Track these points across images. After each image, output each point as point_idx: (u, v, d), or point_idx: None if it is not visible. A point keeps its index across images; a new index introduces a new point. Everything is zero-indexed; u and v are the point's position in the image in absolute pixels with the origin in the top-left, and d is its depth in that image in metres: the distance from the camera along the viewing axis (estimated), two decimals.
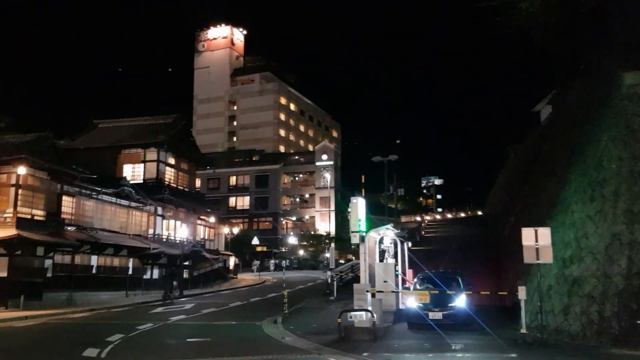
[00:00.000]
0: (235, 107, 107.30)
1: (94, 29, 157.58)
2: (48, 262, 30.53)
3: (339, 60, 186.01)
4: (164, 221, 44.10)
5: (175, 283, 33.68)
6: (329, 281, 31.73)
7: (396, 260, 22.24)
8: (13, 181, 29.04)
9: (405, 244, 24.22)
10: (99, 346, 13.59)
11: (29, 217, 29.41)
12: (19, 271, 27.91)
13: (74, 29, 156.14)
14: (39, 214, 30.30)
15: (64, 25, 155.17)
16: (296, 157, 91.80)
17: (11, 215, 28.40)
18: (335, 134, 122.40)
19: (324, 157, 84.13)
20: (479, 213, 62.49)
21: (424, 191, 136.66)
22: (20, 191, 29.11)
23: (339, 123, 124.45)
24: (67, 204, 33.35)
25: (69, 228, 32.54)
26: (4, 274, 27.54)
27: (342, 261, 55.76)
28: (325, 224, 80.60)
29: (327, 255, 52.11)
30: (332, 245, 53.50)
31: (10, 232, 27.36)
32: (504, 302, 20.70)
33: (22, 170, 28.32)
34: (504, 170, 43.68)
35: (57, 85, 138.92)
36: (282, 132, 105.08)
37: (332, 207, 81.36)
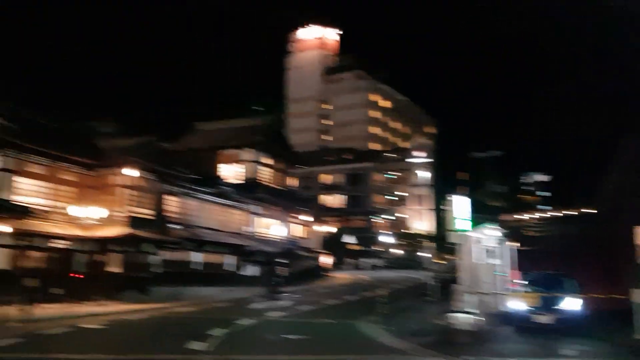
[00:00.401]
0: (326, 106, 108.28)
1: (180, 36, 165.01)
2: (156, 258, 32.26)
3: (433, 56, 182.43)
4: (260, 219, 45.23)
5: (276, 279, 34.45)
6: (427, 281, 31.12)
7: (499, 261, 21.36)
8: (124, 182, 30.92)
9: (508, 243, 23.21)
10: (202, 339, 14.10)
11: (139, 215, 31.21)
12: (130, 267, 29.76)
13: (160, 33, 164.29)
14: (147, 212, 32.08)
15: (153, 31, 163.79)
16: (389, 155, 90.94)
17: (123, 214, 30.28)
18: (430, 130, 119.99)
19: (419, 154, 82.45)
20: (587, 211, 58.82)
21: (525, 187, 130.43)
22: (130, 192, 30.97)
23: (435, 118, 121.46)
24: (172, 204, 35.03)
25: (174, 226, 34.17)
26: (119, 269, 29.46)
27: (439, 261, 54.63)
28: (420, 223, 79.29)
29: (423, 254, 51.20)
30: (430, 244, 52.48)
31: (123, 230, 29.21)
32: (617, 306, 19.29)
33: (131, 171, 30.10)
34: (617, 163, 40.53)
35: (157, 91, 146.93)
36: (375, 130, 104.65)
37: (428, 205, 79.85)
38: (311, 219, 54.53)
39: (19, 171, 27.40)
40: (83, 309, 23.66)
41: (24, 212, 25.46)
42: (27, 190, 27.73)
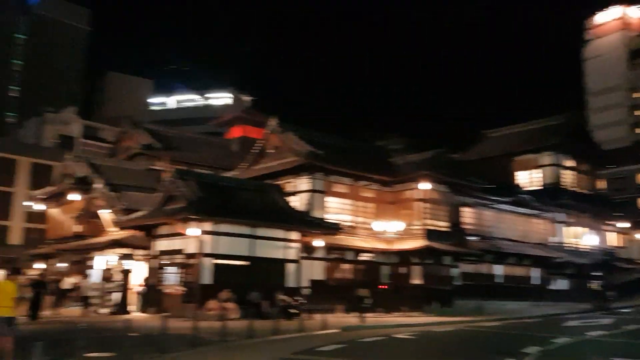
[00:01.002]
0: (638, 95, 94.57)
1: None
2: (455, 271, 31.95)
3: None
4: (567, 228, 41.27)
5: (610, 294, 30.85)
6: None
7: None
8: (418, 196, 31.56)
9: None
10: (515, 357, 12.98)
11: (435, 228, 31.41)
12: (430, 279, 30.06)
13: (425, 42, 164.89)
14: (442, 225, 32.09)
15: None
16: None
17: (420, 227, 30.85)
18: None
19: None
20: None
21: None
22: (425, 205, 31.43)
23: None
24: (467, 215, 34.41)
25: (471, 238, 33.43)
26: (419, 281, 30.03)
27: None
28: None
29: None
30: None
31: (421, 242, 29.73)
32: None
33: (425, 185, 30.56)
34: None
35: (441, 103, 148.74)
36: None
37: None
38: (628, 225, 47.53)
39: (327, 191, 30.26)
40: (391, 319, 24.57)
41: (335, 228, 27.87)
42: (335, 208, 30.42)
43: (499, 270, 35.23)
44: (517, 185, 40.29)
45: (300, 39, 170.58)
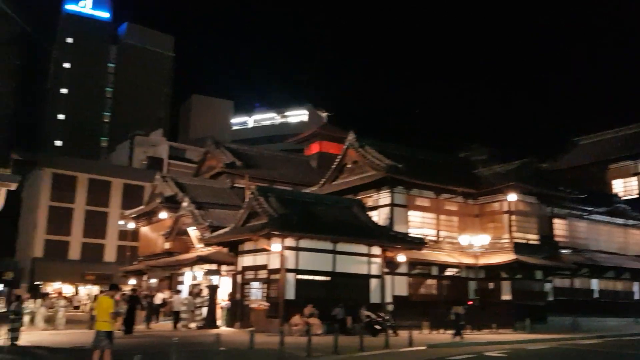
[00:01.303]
0: None
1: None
2: (548, 286, 30.38)
3: None
4: None
5: None
6: None
7: None
8: (505, 208, 30.33)
9: None
10: None
11: (524, 241, 30.02)
12: (520, 294, 28.69)
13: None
14: (532, 238, 30.62)
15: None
16: None
17: (508, 240, 29.59)
18: None
19: None
20: None
21: None
22: (512, 217, 30.14)
23: None
24: (559, 227, 32.71)
25: (564, 251, 31.73)
26: (509, 297, 28.74)
27: None
28: None
29: None
30: None
31: (509, 256, 28.47)
32: None
33: (512, 197, 29.32)
34: None
35: (524, 111, 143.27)
36: None
37: None
38: None
39: (409, 205, 29.73)
40: (481, 336, 23.63)
41: (419, 243, 27.28)
42: (417, 222, 29.80)
43: (595, 285, 33.22)
44: (613, 194, 37.91)
45: (372, 51, 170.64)
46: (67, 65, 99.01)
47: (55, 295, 36.61)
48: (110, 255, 53.07)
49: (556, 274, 30.90)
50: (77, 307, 42.08)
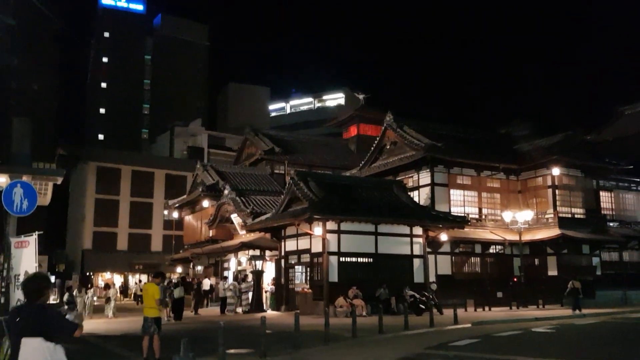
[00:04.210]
0: None
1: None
2: (595, 260, 29.75)
3: None
4: None
5: None
6: None
7: None
8: (549, 182, 29.76)
9: None
10: None
11: (569, 215, 29.45)
12: (567, 269, 28.17)
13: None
14: (578, 212, 30.03)
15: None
16: None
17: (552, 215, 29.07)
18: None
19: None
20: None
21: None
22: (557, 191, 29.56)
23: None
24: (605, 199, 31.97)
25: (611, 224, 31.01)
26: (555, 272, 28.30)
27: None
28: None
29: None
30: None
31: (554, 231, 27.98)
32: None
33: (556, 171, 28.74)
34: None
35: (565, 81, 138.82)
36: None
37: None
38: None
39: (450, 184, 29.48)
40: (527, 312, 23.39)
41: (462, 221, 27.06)
42: (459, 201, 29.54)
43: None
44: None
45: (408, 30, 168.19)
46: (105, 59, 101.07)
47: (106, 285, 37.96)
48: (156, 244, 54.45)
49: (604, 248, 30.24)
50: (126, 296, 43.46)
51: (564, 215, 29.13)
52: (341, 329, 15.62)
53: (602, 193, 31.70)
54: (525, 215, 27.71)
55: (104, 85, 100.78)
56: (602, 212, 31.11)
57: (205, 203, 35.50)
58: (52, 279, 46.73)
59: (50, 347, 4.28)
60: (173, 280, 27.52)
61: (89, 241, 52.54)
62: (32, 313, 4.39)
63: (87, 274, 50.12)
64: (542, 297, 26.56)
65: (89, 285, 33.17)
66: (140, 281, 42.29)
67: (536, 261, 29.40)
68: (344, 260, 24.22)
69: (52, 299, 32.02)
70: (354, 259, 24.55)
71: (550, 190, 29.72)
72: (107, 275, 52.89)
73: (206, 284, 30.36)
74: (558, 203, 29.39)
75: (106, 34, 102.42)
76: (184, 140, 68.59)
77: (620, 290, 28.47)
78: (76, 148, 60.67)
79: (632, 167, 31.84)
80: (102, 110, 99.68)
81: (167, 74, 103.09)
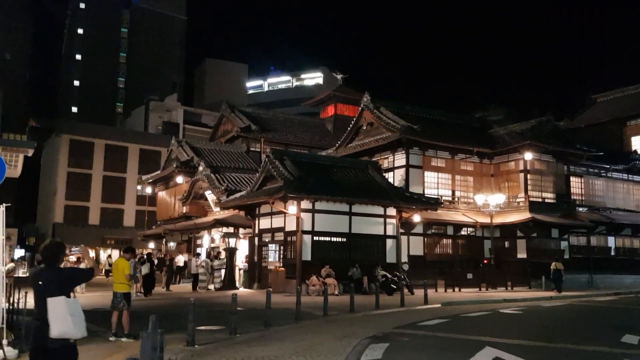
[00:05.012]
0: None
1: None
2: (564, 244, 30.38)
3: None
4: None
5: None
6: None
7: None
8: (521, 167, 30.18)
9: None
10: (636, 333, 12.10)
11: (540, 200, 29.95)
12: (536, 253, 28.77)
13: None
14: (548, 196, 30.54)
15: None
16: None
17: (523, 199, 29.54)
18: None
19: None
20: None
21: None
22: (528, 176, 30.00)
23: None
24: (575, 185, 32.52)
25: (580, 209, 31.61)
26: (524, 255, 28.87)
27: None
28: None
29: None
30: None
31: (525, 215, 28.46)
32: None
33: (528, 155, 29.12)
34: None
35: (540, 68, 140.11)
36: None
37: None
38: None
39: (425, 166, 29.69)
40: (496, 294, 23.87)
41: (435, 203, 27.31)
42: (433, 183, 29.81)
43: (612, 242, 33.14)
44: (632, 152, 37.42)
45: (387, 10, 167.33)
46: (80, 31, 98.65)
47: (77, 259, 37.47)
48: (129, 220, 53.98)
49: (572, 232, 30.87)
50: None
51: (534, 199, 29.63)
52: (313, 307, 15.74)
53: (572, 178, 32.26)
54: (497, 198, 28.10)
55: (78, 57, 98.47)
56: (572, 197, 31.67)
57: (180, 179, 35.22)
58: (22, 252, 46.15)
59: (69, 302, 5.02)
60: (140, 256, 27.32)
61: (61, 215, 51.85)
62: (52, 276, 5.12)
63: None
64: (511, 279, 27.12)
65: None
66: (110, 256, 41.83)
67: (506, 244, 29.91)
68: (317, 239, 24.33)
69: (21, 273, 31.57)
70: (327, 238, 24.68)
71: (522, 175, 30.16)
72: (77, 249, 52.33)
73: (179, 260, 30.24)
74: (529, 187, 29.86)
75: (82, 5, 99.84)
76: (159, 115, 67.63)
77: (587, 274, 29.19)
78: (49, 120, 59.49)
79: (602, 153, 32.45)
80: (76, 83, 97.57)
81: (143, 47, 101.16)
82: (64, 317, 4.90)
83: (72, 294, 5.27)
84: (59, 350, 4.95)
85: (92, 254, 52.20)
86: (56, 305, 4.91)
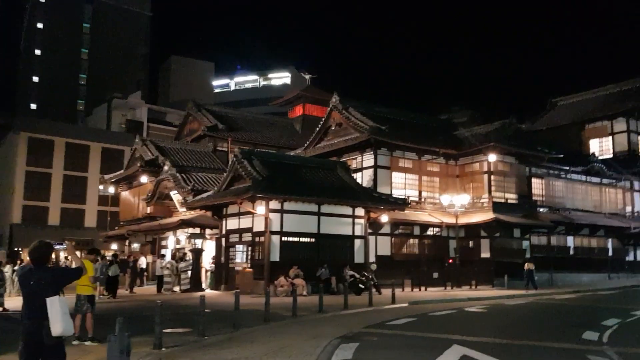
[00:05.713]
0: None
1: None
2: (526, 243, 31.07)
3: None
4: None
5: None
6: None
7: None
8: (485, 168, 30.76)
9: None
10: (594, 329, 12.50)
11: (503, 200, 30.56)
12: (499, 252, 29.35)
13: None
14: (511, 197, 31.20)
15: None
16: None
17: (487, 200, 30.09)
18: None
19: None
20: None
21: None
22: (492, 177, 30.60)
23: None
24: (536, 186, 33.28)
25: (541, 209, 32.37)
26: (487, 255, 29.41)
27: None
28: None
29: None
30: None
31: (488, 215, 28.99)
32: None
33: (492, 157, 29.70)
34: None
35: (503, 72, 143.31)
36: None
37: None
38: None
39: (392, 167, 29.96)
40: (461, 292, 24.27)
41: (402, 203, 27.56)
42: (400, 183, 30.11)
43: (571, 242, 34.04)
44: (590, 154, 38.55)
45: (354, 10, 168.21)
46: (40, 25, 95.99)
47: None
48: (90, 220, 52.82)
49: (534, 232, 31.58)
50: None
51: (498, 200, 30.21)
52: (282, 308, 15.71)
53: (534, 180, 33.01)
54: (462, 199, 28.56)
55: (38, 52, 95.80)
56: (534, 198, 32.42)
57: (144, 179, 34.64)
58: None
59: (62, 301, 5.22)
60: (107, 258, 26.79)
61: (18, 215, 50.36)
62: (44, 276, 5.27)
63: (16, 249, 48.04)
64: (475, 278, 27.60)
65: (19, 262, 31.81)
66: (67, 258, 40.81)
67: (470, 243, 30.43)
68: (286, 239, 24.28)
69: None
70: (296, 239, 24.65)
71: (486, 176, 30.74)
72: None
73: (142, 262, 29.75)
74: (493, 188, 30.46)
75: None
76: (122, 114, 66.36)
77: (547, 272, 29.91)
78: (6, 117, 57.61)
79: (562, 155, 33.30)
80: (35, 79, 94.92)
81: (106, 43, 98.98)
82: (62, 316, 5.12)
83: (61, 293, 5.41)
84: (53, 347, 5.18)
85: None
86: (54, 305, 5.11)
